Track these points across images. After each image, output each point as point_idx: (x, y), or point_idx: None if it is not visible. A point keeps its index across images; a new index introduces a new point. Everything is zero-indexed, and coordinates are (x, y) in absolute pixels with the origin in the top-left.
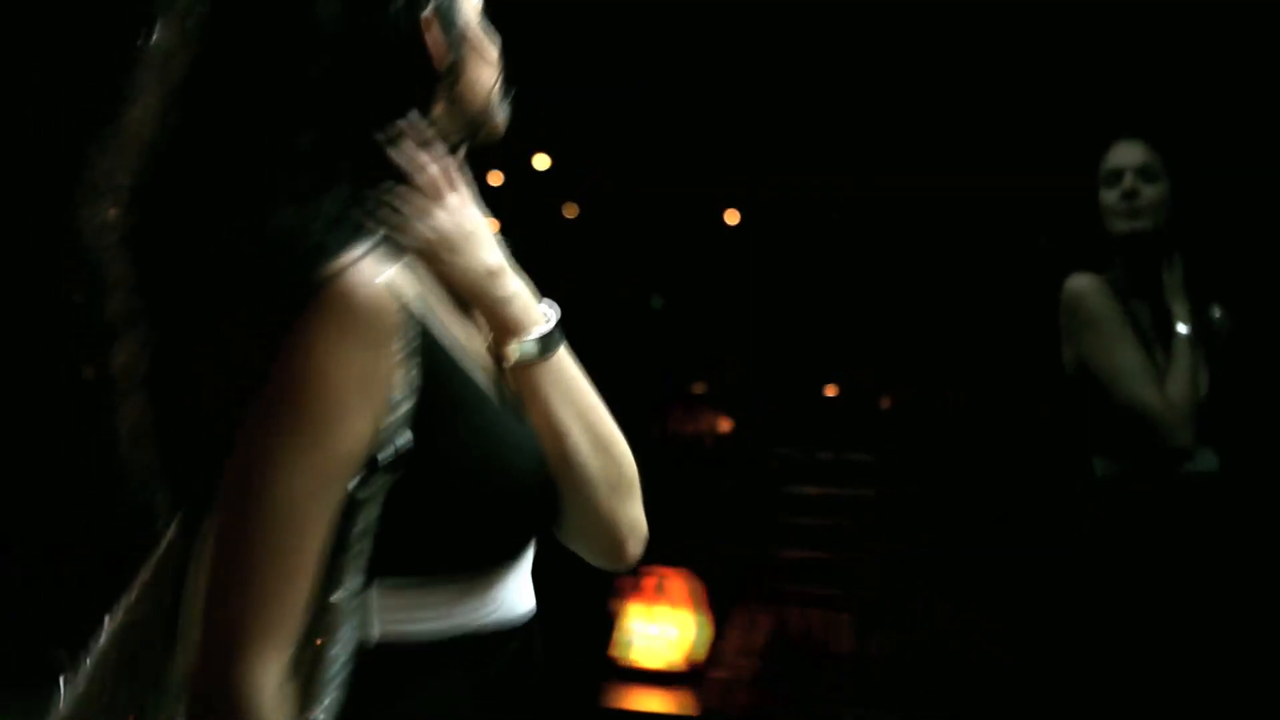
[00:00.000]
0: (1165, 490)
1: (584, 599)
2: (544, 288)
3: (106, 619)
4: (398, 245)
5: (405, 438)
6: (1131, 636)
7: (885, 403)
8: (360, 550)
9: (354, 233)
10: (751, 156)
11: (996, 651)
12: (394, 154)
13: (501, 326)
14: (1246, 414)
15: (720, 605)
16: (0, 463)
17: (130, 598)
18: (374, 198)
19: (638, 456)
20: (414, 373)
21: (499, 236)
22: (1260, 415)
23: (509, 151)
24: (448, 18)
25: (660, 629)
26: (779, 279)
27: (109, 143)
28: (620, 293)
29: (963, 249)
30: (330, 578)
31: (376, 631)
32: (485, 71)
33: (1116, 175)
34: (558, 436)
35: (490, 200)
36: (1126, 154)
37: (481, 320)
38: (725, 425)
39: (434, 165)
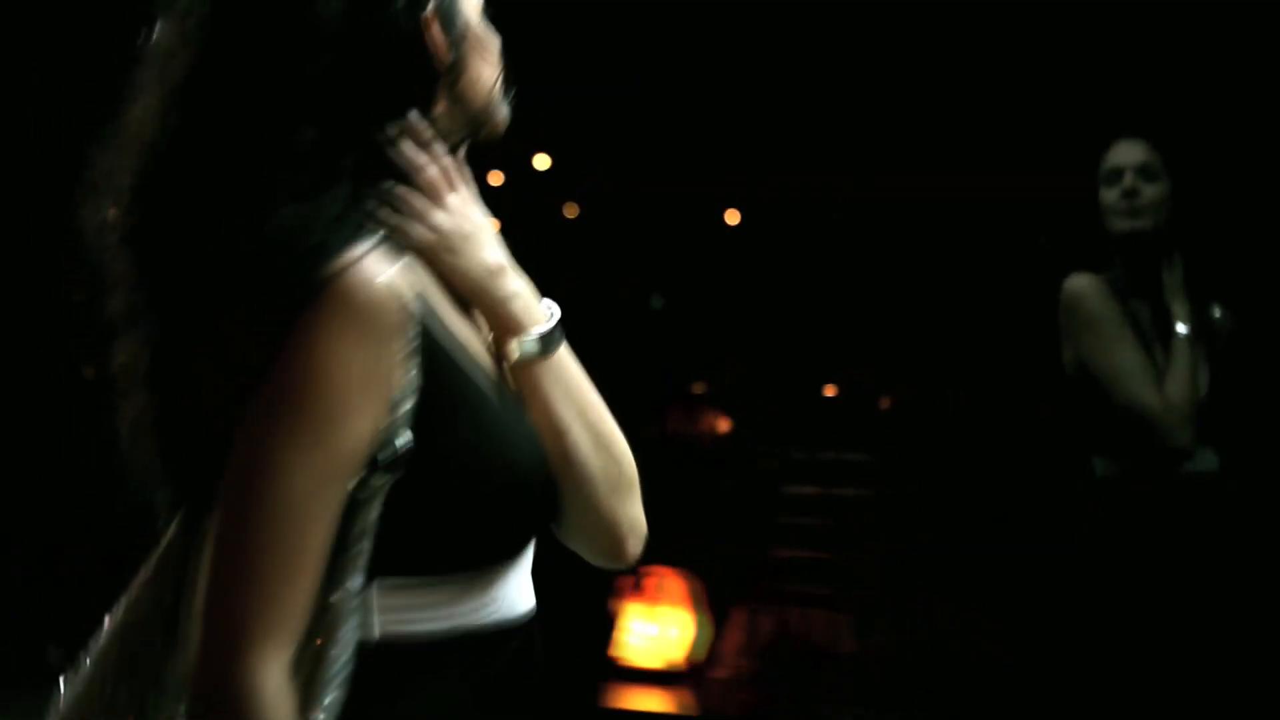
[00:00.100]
0: (1165, 490)
1: (582, 599)
2: (544, 288)
3: (106, 618)
4: (399, 244)
5: (407, 437)
6: (1131, 636)
7: (885, 403)
8: (361, 549)
9: (355, 231)
10: (751, 156)
11: (996, 651)
12: (395, 153)
13: (503, 325)
14: (1246, 414)
15: (720, 605)
16: (0, 463)
17: (130, 597)
18: (375, 197)
19: (637, 456)
20: (416, 371)
21: (499, 236)
22: (1260, 415)
23: (509, 151)
24: (449, 16)
25: (659, 629)
26: (779, 279)
27: (109, 142)
28: (620, 293)
29: (963, 249)
30: (331, 576)
31: (377, 631)
32: (486, 70)
33: (1117, 174)
34: (558, 435)
35: (490, 200)
36: (1127, 153)
37: (481, 320)
38: (725, 425)
39: (435, 165)
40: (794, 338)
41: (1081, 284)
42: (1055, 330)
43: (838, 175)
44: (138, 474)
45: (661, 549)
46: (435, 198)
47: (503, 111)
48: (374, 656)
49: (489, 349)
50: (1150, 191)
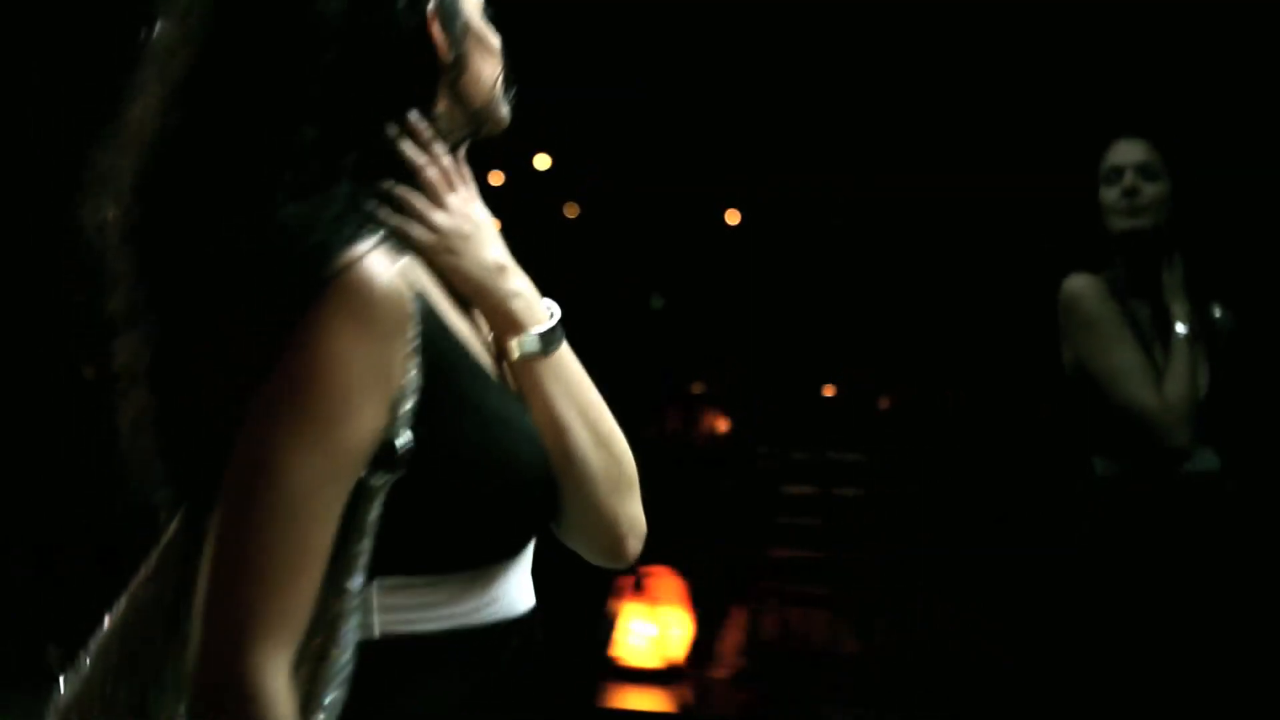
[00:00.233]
0: (1165, 490)
1: (577, 598)
2: (544, 288)
3: (106, 617)
4: (400, 243)
5: (409, 435)
6: (1131, 636)
7: (885, 403)
8: (362, 548)
9: (357, 230)
10: (751, 156)
11: (996, 651)
12: (398, 151)
13: (504, 324)
14: (1246, 414)
15: (720, 605)
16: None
17: (131, 595)
18: (376, 196)
19: (637, 456)
20: (418, 370)
21: (500, 235)
22: (1260, 415)
23: (510, 151)
24: (450, 15)
25: (657, 628)
26: (779, 279)
27: (110, 141)
28: (620, 293)
29: (963, 249)
30: (333, 575)
31: (377, 630)
32: (488, 67)
33: (1117, 173)
34: (559, 433)
35: (491, 200)
36: (1127, 152)
37: (482, 319)
38: (725, 425)
39: (436, 164)
40: (794, 338)
41: (1080, 284)
42: (1055, 330)
43: (838, 175)
44: (138, 473)
45: (661, 549)
46: (436, 197)
47: (504, 110)
48: (374, 655)
49: (489, 348)
50: (1150, 191)
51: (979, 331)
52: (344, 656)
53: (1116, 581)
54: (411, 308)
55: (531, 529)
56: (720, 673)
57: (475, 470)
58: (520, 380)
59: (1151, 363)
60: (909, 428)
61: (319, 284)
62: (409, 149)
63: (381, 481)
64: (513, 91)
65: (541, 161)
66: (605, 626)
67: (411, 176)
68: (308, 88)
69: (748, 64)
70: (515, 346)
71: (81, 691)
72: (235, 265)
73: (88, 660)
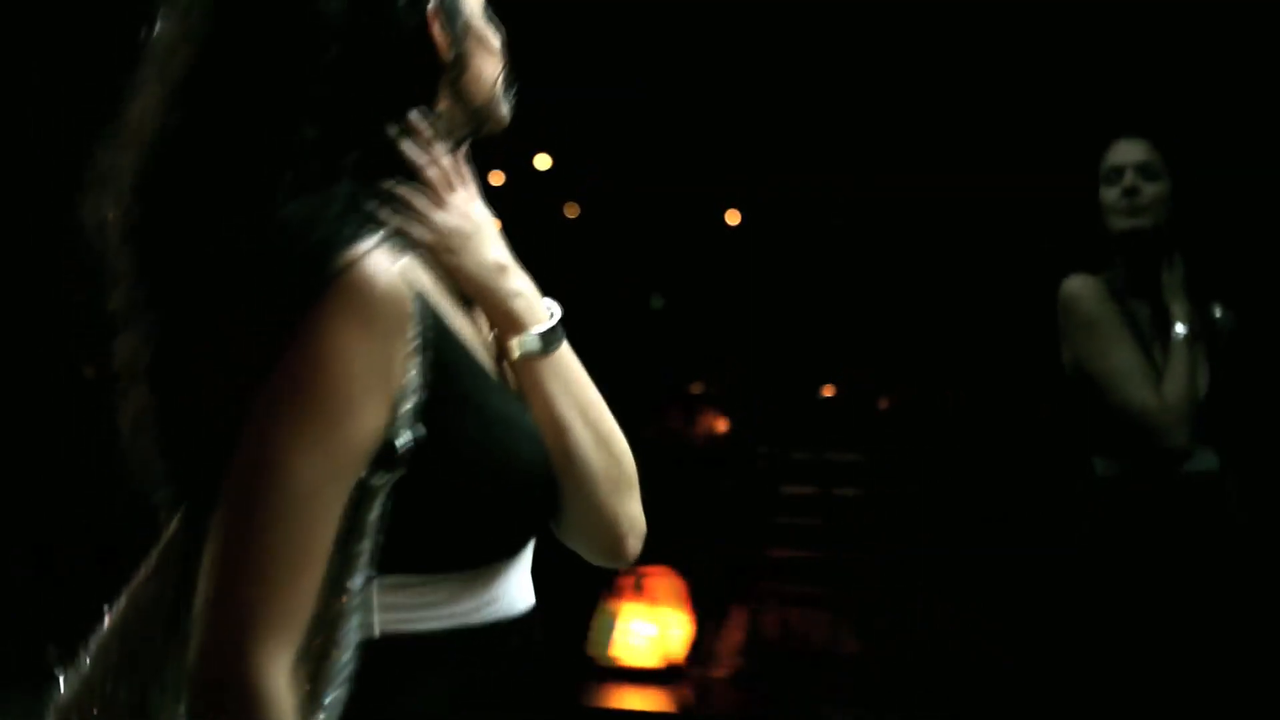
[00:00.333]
0: (1165, 490)
1: (574, 597)
2: (544, 288)
3: (106, 614)
4: (404, 240)
5: (411, 434)
6: (1131, 636)
7: (885, 403)
8: (364, 546)
9: (359, 228)
10: (751, 157)
11: (996, 651)
12: (400, 150)
13: (505, 323)
14: (1247, 414)
15: (720, 605)
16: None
17: (131, 594)
18: (378, 195)
19: (637, 456)
20: (420, 368)
21: (501, 235)
22: (1260, 415)
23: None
24: (451, 13)
25: (656, 628)
26: (779, 279)
27: (110, 139)
28: (620, 293)
29: (963, 249)
30: (335, 574)
31: (377, 629)
32: (489, 65)
33: (1117, 173)
34: (560, 432)
35: (491, 200)
36: (1127, 151)
37: (482, 318)
38: (725, 425)
39: (438, 163)
40: (794, 338)
41: (1078, 285)
42: (1055, 330)
43: (838, 176)
44: (138, 472)
45: (661, 549)
46: (437, 197)
47: (505, 108)
48: (374, 654)
49: (490, 347)
50: (1151, 190)
51: (979, 331)
52: (345, 655)
53: (1116, 581)
54: (413, 307)
55: (532, 528)
56: (719, 673)
57: (476, 469)
58: (521, 379)
59: (1151, 363)
60: (909, 428)
61: (320, 283)
62: (410, 148)
63: (383, 481)
64: (513, 90)
65: (542, 161)
66: (604, 626)
67: (413, 176)
68: (308, 86)
69: (747, 64)
70: (516, 345)
71: (81, 691)
72: (235, 265)
73: (87, 659)
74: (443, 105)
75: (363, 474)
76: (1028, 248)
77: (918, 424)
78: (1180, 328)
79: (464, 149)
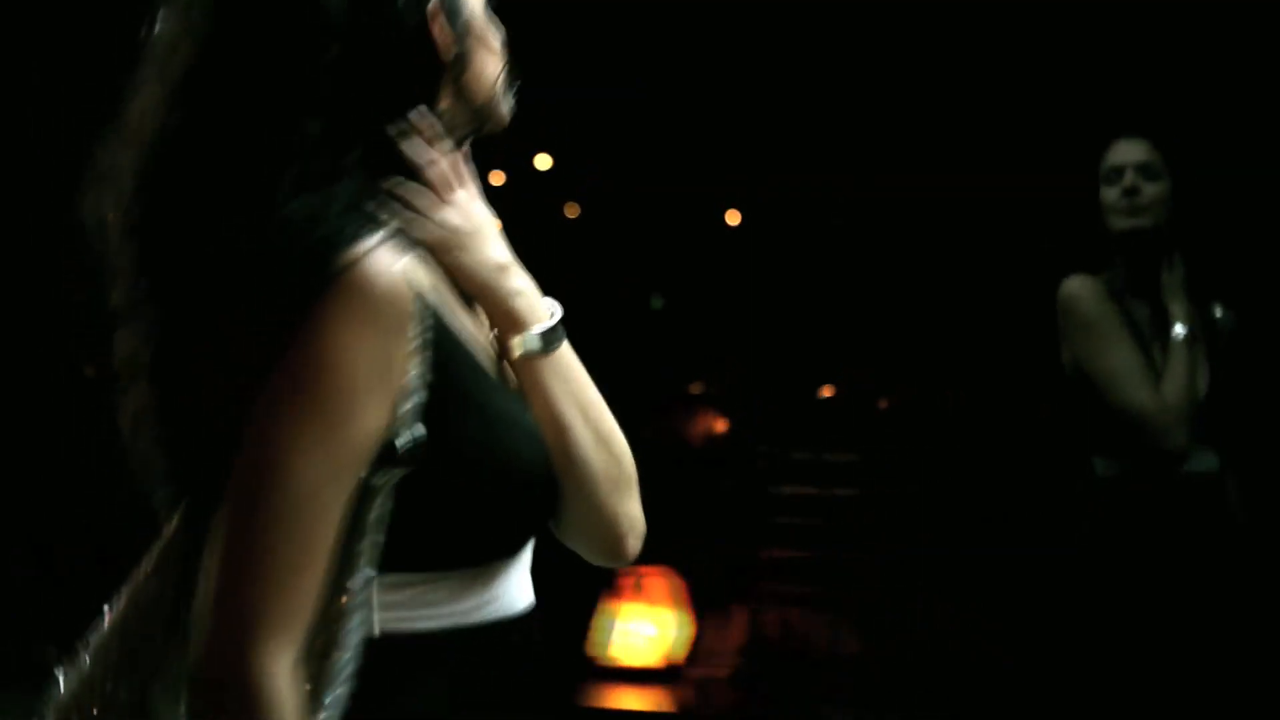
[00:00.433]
0: (1165, 490)
1: (574, 597)
2: (544, 287)
3: (105, 613)
4: (406, 239)
5: (419, 430)
6: (1131, 636)
7: (885, 403)
8: (368, 544)
9: (364, 224)
10: (751, 157)
11: (996, 651)
12: (402, 148)
13: (506, 321)
14: (1247, 414)
15: (719, 605)
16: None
17: (130, 592)
18: (383, 191)
19: (637, 456)
20: (425, 364)
21: (502, 234)
22: (1261, 415)
23: (510, 151)
24: (453, 10)
25: (655, 628)
26: (779, 279)
27: (112, 136)
28: (620, 293)
29: (963, 249)
30: (338, 571)
31: (377, 628)
32: (491, 62)
33: (1117, 172)
34: (560, 431)
35: (492, 200)
36: (1128, 151)
37: (483, 317)
38: (725, 425)
39: (441, 161)
40: (794, 338)
41: (1077, 285)
42: (1055, 330)
43: (838, 176)
44: (138, 470)
45: (660, 549)
46: (442, 194)
47: (507, 105)
48: (374, 654)
49: (491, 346)
50: (1151, 190)
51: (979, 331)
52: (346, 654)
53: (1116, 581)
54: (416, 304)
55: (532, 527)
56: (720, 673)
57: (477, 468)
58: (521, 378)
59: (1150, 364)
60: (909, 428)
61: (322, 281)
62: (413, 146)
63: (385, 480)
64: (515, 88)
65: (542, 161)
66: (604, 626)
67: (414, 174)
68: (309, 85)
69: (747, 64)
70: (517, 344)
71: (81, 689)
72: (236, 263)
73: (86, 658)
74: (444, 104)
75: (364, 473)
76: (1028, 248)
77: (917, 424)
78: (1179, 328)
79: (465, 148)
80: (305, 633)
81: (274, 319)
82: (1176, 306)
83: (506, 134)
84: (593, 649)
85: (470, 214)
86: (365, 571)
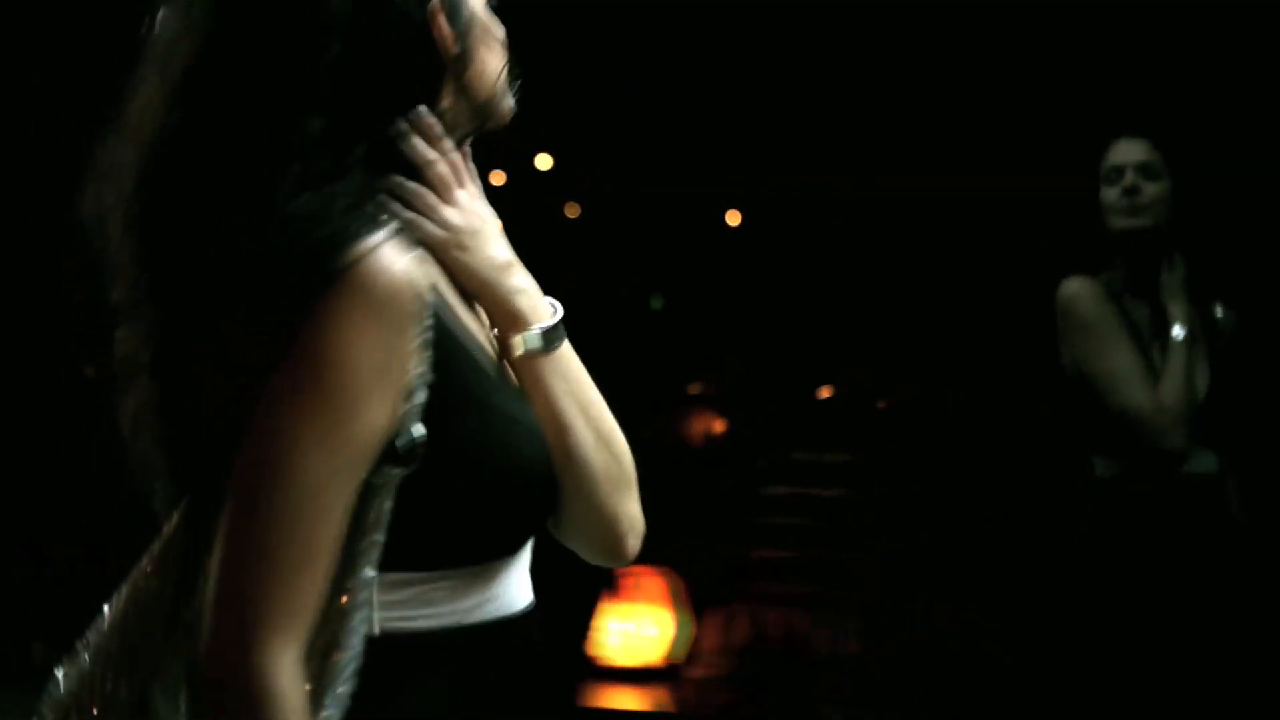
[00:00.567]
0: (1165, 490)
1: (574, 597)
2: (545, 287)
3: (105, 611)
4: (409, 238)
5: (419, 430)
6: (1131, 636)
7: (884, 403)
8: (372, 542)
9: (369, 222)
10: (752, 157)
11: (996, 651)
12: (405, 148)
13: (508, 320)
14: (1247, 414)
15: (719, 605)
16: None
17: (130, 590)
18: (385, 191)
19: (636, 456)
20: (430, 361)
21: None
22: (1261, 415)
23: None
24: (454, 7)
25: (656, 628)
26: (779, 280)
27: (112, 133)
28: (620, 293)
29: (963, 249)
30: (342, 569)
31: (377, 626)
32: (493, 60)
33: (1118, 172)
34: (561, 430)
35: (492, 200)
36: (1128, 151)
37: (484, 316)
38: (724, 425)
39: (444, 160)
40: (794, 338)
41: (1076, 287)
42: (1055, 330)
43: (838, 176)
44: (138, 468)
45: (661, 548)
46: (444, 193)
47: (508, 103)
48: (374, 652)
49: (492, 344)
50: (1151, 190)
51: (979, 332)
52: (349, 653)
53: (1116, 582)
54: (424, 300)
55: (532, 526)
56: (719, 673)
57: (478, 466)
58: (522, 377)
59: (1149, 365)
60: (908, 428)
61: (329, 277)
62: (417, 145)
63: (389, 477)
64: (517, 84)
65: (543, 161)
66: (604, 626)
67: (416, 173)
68: (311, 82)
69: (747, 64)
70: (518, 343)
71: (80, 687)
72: (238, 261)
73: (86, 656)
74: (445, 102)
75: (371, 469)
76: (1028, 248)
77: (917, 424)
78: (1178, 329)
79: (465, 147)
80: (308, 631)
81: (275, 318)
82: (1176, 307)
83: (507, 134)
84: (593, 649)
85: (472, 213)
86: (366, 570)
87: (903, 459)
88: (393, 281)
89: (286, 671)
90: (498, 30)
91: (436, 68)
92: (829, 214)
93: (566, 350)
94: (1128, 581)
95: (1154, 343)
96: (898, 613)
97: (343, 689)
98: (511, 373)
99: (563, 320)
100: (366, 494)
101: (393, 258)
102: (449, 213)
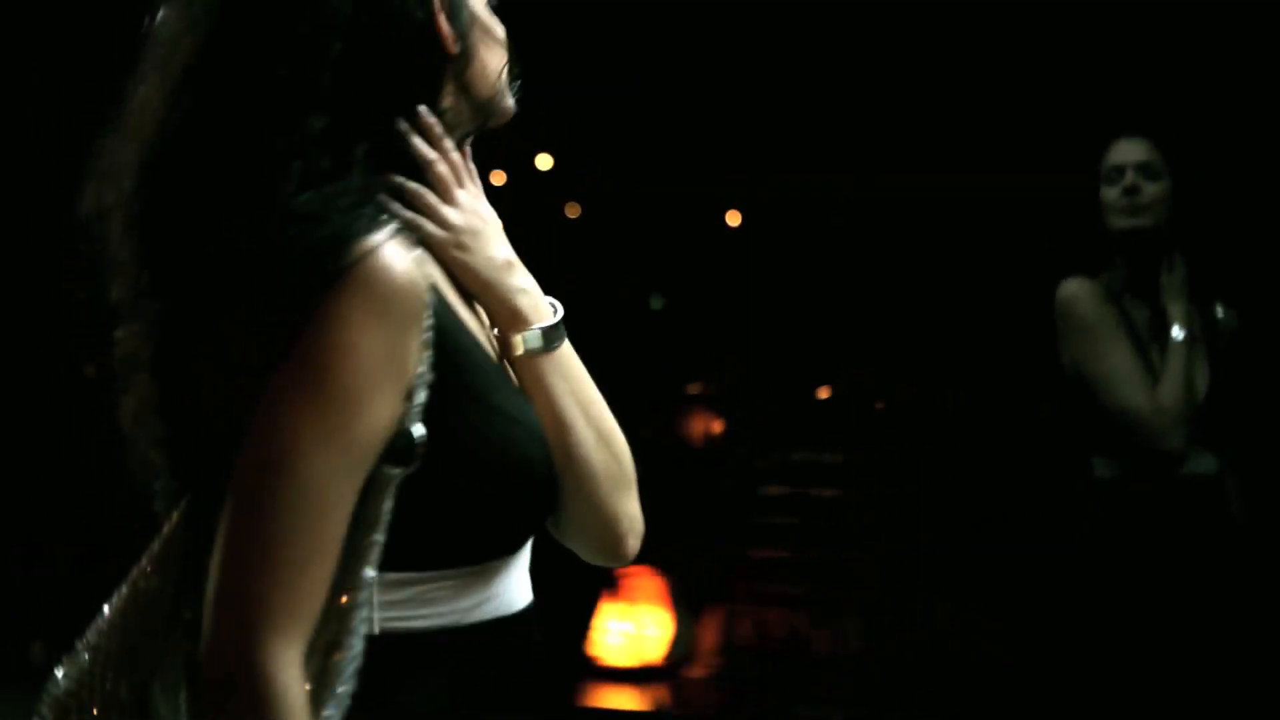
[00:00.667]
0: (1165, 491)
1: (574, 597)
2: (545, 287)
3: (105, 610)
4: (411, 236)
5: (419, 430)
6: (1131, 637)
7: (884, 403)
8: (374, 540)
9: (370, 221)
10: (752, 157)
11: (996, 651)
12: (406, 147)
13: (509, 319)
14: (1247, 414)
15: (722, 604)
16: None
17: (130, 589)
18: (388, 189)
19: (636, 456)
20: (430, 361)
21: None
22: (1261, 415)
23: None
24: (455, 5)
25: (657, 627)
26: (779, 280)
27: (113, 131)
28: (620, 293)
29: (963, 249)
30: (344, 568)
31: (377, 626)
32: (494, 58)
33: (1118, 172)
34: (562, 429)
35: (492, 200)
36: (1128, 151)
37: (485, 316)
38: (724, 425)
39: (445, 160)
40: (794, 338)
41: (1075, 288)
42: (1054, 330)
43: (838, 176)
44: (138, 467)
45: (661, 548)
46: (446, 193)
47: (509, 101)
48: (374, 652)
49: (493, 343)
50: (1151, 190)
51: (978, 332)
52: (350, 652)
53: (1116, 582)
54: (425, 300)
55: (532, 525)
56: (719, 673)
57: (480, 465)
58: (523, 376)
59: (1148, 365)
60: (908, 428)
61: (332, 275)
62: (418, 144)
63: (393, 474)
64: (518, 84)
65: (543, 161)
66: (604, 626)
67: (418, 171)
68: (313, 81)
69: (747, 64)
70: (519, 342)
71: (79, 686)
72: (239, 259)
73: (86, 655)
74: (447, 100)
75: (374, 467)
76: (1028, 248)
77: (917, 424)
78: (1178, 330)
79: (469, 145)
80: (309, 631)
81: (275, 318)
82: (1176, 307)
83: (507, 133)
84: (593, 649)
85: (473, 212)
86: (366, 570)
87: (902, 459)
88: (393, 281)
89: (287, 671)
90: (498, 30)
91: (437, 67)
92: (829, 214)
93: (567, 350)
94: (1127, 582)
95: (1153, 343)
96: (898, 613)
97: (343, 689)
98: (512, 372)
99: (563, 320)
100: (367, 494)
101: (393, 257)
102: (449, 212)
